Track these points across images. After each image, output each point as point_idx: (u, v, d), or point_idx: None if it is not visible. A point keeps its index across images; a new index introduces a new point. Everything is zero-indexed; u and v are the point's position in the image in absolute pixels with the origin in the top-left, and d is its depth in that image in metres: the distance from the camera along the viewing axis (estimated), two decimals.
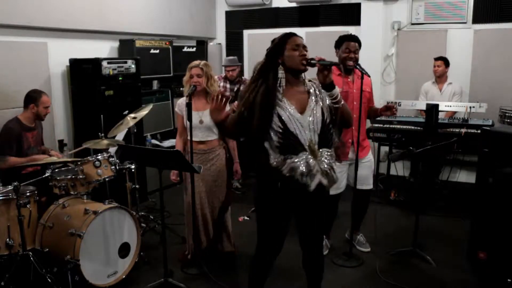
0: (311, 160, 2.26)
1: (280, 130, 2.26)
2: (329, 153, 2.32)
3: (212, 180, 3.35)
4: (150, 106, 4.06)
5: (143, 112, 3.93)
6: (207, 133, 3.31)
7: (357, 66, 3.29)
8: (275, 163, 2.29)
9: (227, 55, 6.53)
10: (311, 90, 2.35)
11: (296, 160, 2.26)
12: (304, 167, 2.25)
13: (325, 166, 2.29)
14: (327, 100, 2.34)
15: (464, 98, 5.32)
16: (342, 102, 2.32)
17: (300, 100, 2.32)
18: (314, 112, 2.29)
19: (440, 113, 4.82)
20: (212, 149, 3.34)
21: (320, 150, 2.30)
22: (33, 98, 3.62)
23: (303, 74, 2.36)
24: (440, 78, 5.16)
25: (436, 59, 5.13)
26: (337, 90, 2.29)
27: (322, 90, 2.34)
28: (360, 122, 3.32)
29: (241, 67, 5.29)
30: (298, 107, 2.30)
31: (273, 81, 2.30)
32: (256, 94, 2.28)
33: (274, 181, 2.31)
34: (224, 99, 2.34)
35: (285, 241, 2.53)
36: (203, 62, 3.32)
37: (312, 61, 2.26)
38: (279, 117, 2.26)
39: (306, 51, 2.32)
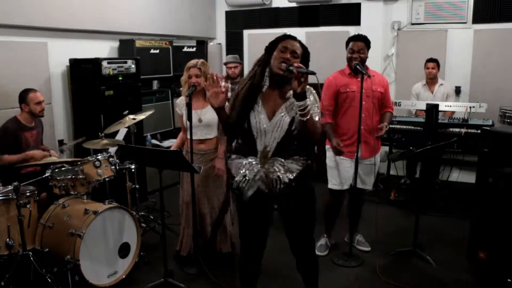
0: (257, 166, 2.29)
1: (244, 131, 2.29)
2: (281, 164, 2.28)
3: (211, 181, 3.35)
4: (151, 112, 4.08)
5: (143, 115, 3.95)
6: (206, 131, 3.32)
7: (358, 67, 3.27)
8: (229, 161, 2.38)
9: (227, 55, 6.53)
10: (292, 97, 2.26)
11: (242, 162, 2.32)
12: (247, 171, 2.29)
13: (271, 176, 2.27)
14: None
15: (464, 98, 5.32)
16: (308, 117, 2.16)
17: (275, 105, 2.29)
18: (283, 118, 2.26)
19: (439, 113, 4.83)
20: (212, 149, 3.35)
21: (273, 158, 2.28)
22: (21, 97, 3.62)
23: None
24: (432, 80, 5.14)
25: (429, 60, 5.09)
26: (308, 103, 2.14)
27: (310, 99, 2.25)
28: (360, 121, 3.30)
29: (241, 66, 5.27)
30: (270, 112, 2.27)
31: (259, 78, 2.29)
32: (242, 89, 2.31)
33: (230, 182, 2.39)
34: (218, 79, 2.25)
35: (283, 242, 2.53)
36: (200, 61, 3.31)
37: (290, 68, 2.15)
38: (248, 119, 2.28)
39: (294, 57, 2.22)
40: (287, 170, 2.28)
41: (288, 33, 2.34)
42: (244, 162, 2.32)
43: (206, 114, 3.30)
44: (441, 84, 5.15)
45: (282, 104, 2.29)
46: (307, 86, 2.29)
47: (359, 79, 3.39)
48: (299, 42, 2.31)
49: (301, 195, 2.35)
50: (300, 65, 2.15)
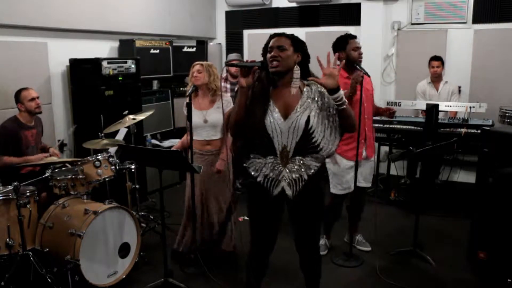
0: (279, 166, 2.30)
1: (259, 131, 2.29)
2: (302, 162, 2.30)
3: (221, 181, 3.35)
4: (151, 112, 4.08)
5: (143, 115, 3.95)
6: (212, 132, 3.32)
7: (357, 66, 3.26)
8: (245, 162, 2.37)
9: (227, 55, 6.53)
10: (304, 94, 2.30)
11: (262, 162, 2.32)
12: (268, 171, 2.31)
13: (293, 175, 2.30)
14: (322, 106, 2.29)
15: (464, 98, 5.31)
16: (345, 106, 2.23)
17: (287, 103, 2.29)
18: (298, 118, 2.26)
19: (442, 113, 4.82)
20: (219, 150, 3.34)
21: (293, 158, 2.30)
22: (16, 97, 3.64)
23: (294, 73, 2.29)
24: (437, 78, 5.15)
25: (434, 59, 5.09)
26: (341, 93, 2.20)
27: (323, 95, 2.29)
28: (359, 123, 3.30)
29: None
30: (283, 111, 2.27)
31: (266, 79, 2.31)
32: (253, 91, 2.31)
33: (246, 181, 2.39)
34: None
35: (285, 241, 2.53)
36: (205, 62, 3.36)
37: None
38: (263, 118, 2.27)
39: (282, 50, 2.24)
40: (307, 167, 2.31)
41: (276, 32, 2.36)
42: (265, 162, 2.33)
43: (212, 115, 3.29)
44: (446, 82, 5.15)
45: (295, 103, 2.28)
46: (314, 82, 2.32)
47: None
48: (289, 36, 2.31)
49: (312, 193, 2.37)
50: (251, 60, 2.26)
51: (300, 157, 2.30)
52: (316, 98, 2.30)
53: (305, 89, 2.32)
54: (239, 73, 2.24)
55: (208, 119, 3.29)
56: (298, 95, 2.30)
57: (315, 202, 2.41)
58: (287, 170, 2.30)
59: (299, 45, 2.32)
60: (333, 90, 2.20)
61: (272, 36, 2.33)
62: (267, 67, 2.27)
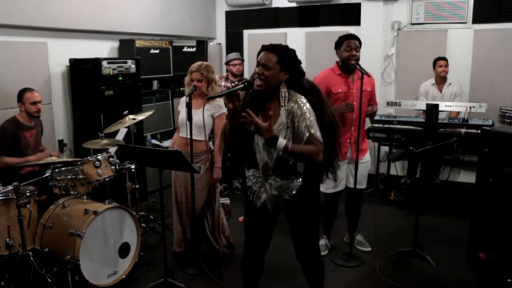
0: (261, 179, 2.35)
1: (248, 144, 2.35)
2: (279, 184, 2.31)
3: (197, 183, 3.29)
4: (151, 112, 4.07)
5: (143, 115, 3.94)
6: (194, 131, 3.23)
7: (357, 66, 3.27)
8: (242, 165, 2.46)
9: (227, 55, 6.52)
10: (281, 114, 2.23)
11: (247, 172, 2.40)
12: (251, 183, 2.38)
13: (273, 192, 2.32)
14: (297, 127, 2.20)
15: (464, 98, 5.31)
16: (291, 149, 2.15)
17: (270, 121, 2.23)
18: None
19: (443, 113, 4.82)
20: (198, 153, 3.28)
21: (274, 175, 2.31)
22: (19, 96, 3.62)
23: (281, 92, 2.23)
24: (442, 79, 5.14)
25: (440, 59, 5.08)
26: (281, 146, 2.13)
27: (294, 114, 2.20)
28: (359, 122, 3.31)
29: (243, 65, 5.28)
30: None
31: (256, 95, 2.30)
32: (245, 103, 2.32)
33: (244, 181, 2.47)
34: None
35: (285, 241, 2.52)
36: (204, 65, 3.27)
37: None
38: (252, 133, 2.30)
39: (266, 69, 2.17)
40: (286, 189, 2.32)
41: (266, 44, 2.28)
42: (247, 174, 2.41)
43: (198, 114, 3.22)
44: (450, 84, 5.14)
45: (275, 121, 2.23)
46: (294, 95, 2.25)
47: (349, 79, 3.39)
48: (278, 52, 2.21)
49: (306, 203, 2.38)
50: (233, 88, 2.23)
51: (280, 177, 2.31)
52: (289, 118, 2.22)
53: (282, 109, 2.24)
54: (225, 99, 2.27)
55: (193, 118, 3.24)
56: (277, 114, 2.23)
57: (305, 212, 2.40)
58: (268, 185, 2.34)
59: (287, 63, 2.22)
60: (271, 143, 2.14)
61: (263, 48, 2.25)
62: (251, 86, 2.23)
